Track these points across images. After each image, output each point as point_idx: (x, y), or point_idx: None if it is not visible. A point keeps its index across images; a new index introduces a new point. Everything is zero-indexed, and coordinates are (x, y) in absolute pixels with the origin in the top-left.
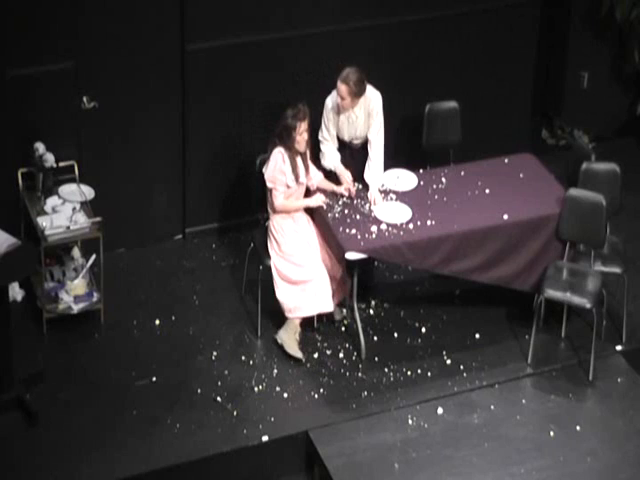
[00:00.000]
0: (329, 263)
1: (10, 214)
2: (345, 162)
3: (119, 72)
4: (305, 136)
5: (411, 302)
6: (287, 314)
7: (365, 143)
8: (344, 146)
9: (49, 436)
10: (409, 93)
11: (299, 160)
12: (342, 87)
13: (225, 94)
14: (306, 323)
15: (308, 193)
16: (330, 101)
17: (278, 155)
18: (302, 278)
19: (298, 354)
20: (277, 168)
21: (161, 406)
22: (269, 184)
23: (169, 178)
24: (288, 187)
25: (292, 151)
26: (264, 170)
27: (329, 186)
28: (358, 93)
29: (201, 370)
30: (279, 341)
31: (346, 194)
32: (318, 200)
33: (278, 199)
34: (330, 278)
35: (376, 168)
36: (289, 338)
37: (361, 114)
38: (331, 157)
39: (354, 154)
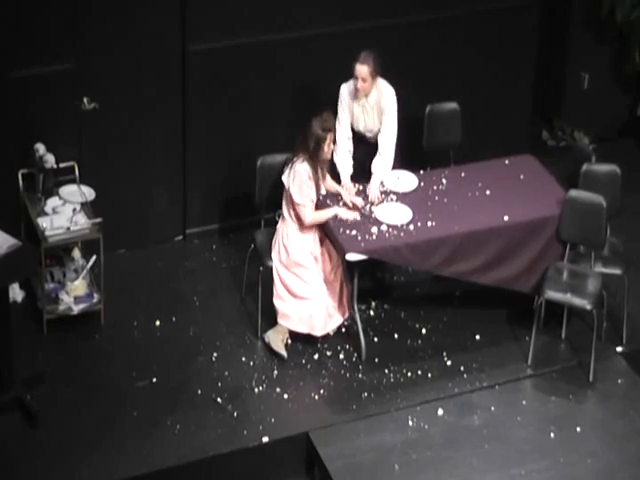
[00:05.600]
0: (331, 277)
1: (10, 215)
2: (360, 157)
3: (120, 73)
4: (332, 145)
5: (411, 303)
6: (278, 319)
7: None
8: (360, 140)
9: (49, 437)
10: (409, 94)
11: (319, 170)
12: (363, 68)
13: (226, 95)
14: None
15: None
16: (345, 90)
17: (304, 173)
18: (303, 294)
19: (282, 351)
20: (305, 186)
21: (161, 407)
22: (299, 200)
23: (170, 179)
24: (312, 201)
25: (316, 161)
26: (284, 179)
27: (334, 188)
28: (377, 72)
29: (201, 371)
30: (266, 339)
31: (350, 204)
32: (350, 214)
33: (308, 215)
34: (331, 295)
35: (385, 161)
36: (276, 338)
37: (374, 105)
38: (343, 169)
39: (370, 149)
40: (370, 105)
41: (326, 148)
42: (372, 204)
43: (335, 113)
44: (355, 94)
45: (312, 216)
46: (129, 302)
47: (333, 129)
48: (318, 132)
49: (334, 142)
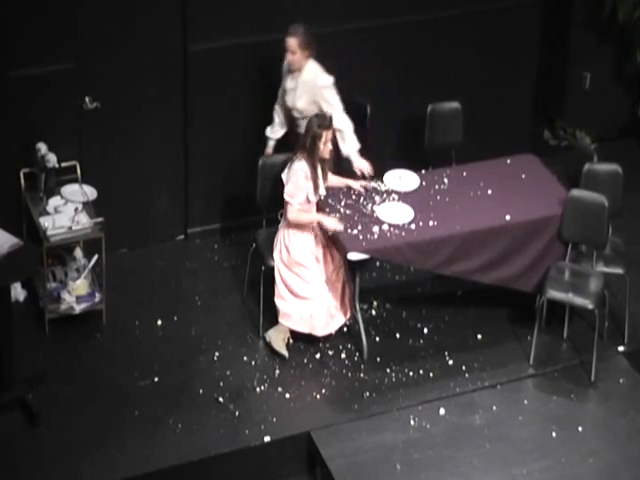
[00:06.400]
0: (333, 277)
1: (12, 214)
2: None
3: (121, 72)
4: (329, 145)
5: (413, 303)
6: (279, 318)
7: None
8: (292, 129)
9: (51, 436)
10: (411, 94)
11: (319, 169)
12: (291, 41)
13: (227, 94)
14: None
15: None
16: (285, 64)
17: (301, 173)
18: (304, 294)
19: (283, 351)
20: (298, 185)
21: (163, 406)
22: (287, 197)
23: (171, 178)
24: (308, 202)
25: (314, 159)
26: (283, 177)
27: (341, 182)
28: (307, 45)
29: (203, 370)
30: (267, 339)
31: (361, 189)
32: (334, 223)
33: (292, 213)
34: (333, 294)
35: (348, 137)
36: (277, 337)
37: (305, 82)
38: (273, 132)
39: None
40: (302, 81)
41: (322, 146)
42: (371, 178)
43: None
44: (289, 68)
45: (295, 215)
46: (131, 302)
47: (330, 128)
48: (314, 129)
49: (332, 141)
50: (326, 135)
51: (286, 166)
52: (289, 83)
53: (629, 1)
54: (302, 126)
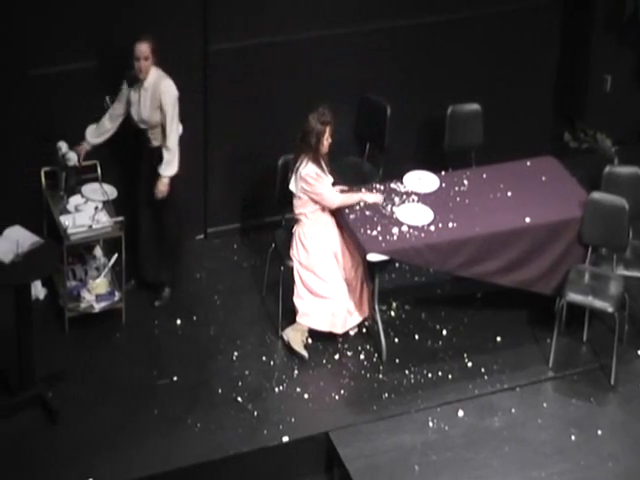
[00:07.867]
0: (351, 275)
1: (33, 213)
2: (142, 160)
3: None
4: (330, 140)
5: (432, 304)
6: (298, 318)
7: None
8: (143, 143)
9: (68, 434)
10: (431, 95)
11: (323, 164)
12: (143, 46)
13: (247, 94)
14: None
15: None
16: (131, 74)
17: (312, 175)
18: (323, 293)
19: (303, 351)
20: (318, 182)
21: (182, 406)
22: (320, 191)
23: (191, 178)
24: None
25: (318, 156)
26: (291, 188)
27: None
28: (156, 50)
29: (222, 370)
30: (285, 338)
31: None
32: (377, 196)
33: (335, 197)
34: (350, 293)
35: (170, 159)
36: (296, 337)
37: (148, 88)
38: (93, 136)
39: (151, 153)
40: (144, 88)
41: (325, 142)
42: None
43: (334, 107)
44: (136, 77)
45: (340, 198)
46: (150, 301)
47: (330, 122)
48: (317, 126)
49: (331, 136)
50: (329, 130)
51: (290, 174)
52: (132, 96)
53: None
54: (153, 139)
